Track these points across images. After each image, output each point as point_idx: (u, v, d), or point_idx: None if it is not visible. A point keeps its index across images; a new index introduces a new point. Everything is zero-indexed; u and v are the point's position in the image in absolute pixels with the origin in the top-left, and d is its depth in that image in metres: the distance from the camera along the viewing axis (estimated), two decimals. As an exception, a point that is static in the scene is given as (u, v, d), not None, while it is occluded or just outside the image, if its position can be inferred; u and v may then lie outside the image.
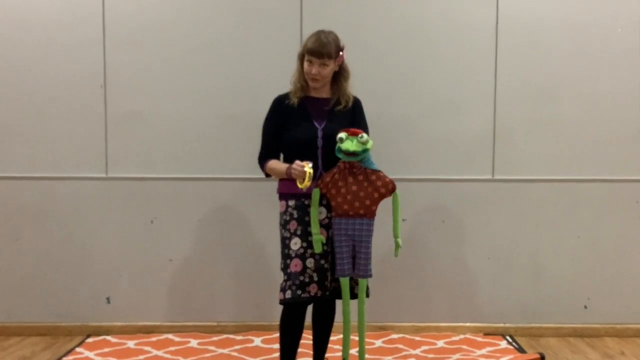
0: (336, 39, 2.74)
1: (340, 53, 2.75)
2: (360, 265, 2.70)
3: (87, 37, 3.55)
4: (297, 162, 2.63)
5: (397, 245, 2.75)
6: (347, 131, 2.64)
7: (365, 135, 2.62)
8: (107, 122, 3.58)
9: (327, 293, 2.73)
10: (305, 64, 2.71)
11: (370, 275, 2.73)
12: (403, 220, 3.42)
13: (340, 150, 2.63)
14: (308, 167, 2.59)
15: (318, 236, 2.66)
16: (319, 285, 2.70)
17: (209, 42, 3.57)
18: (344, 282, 2.71)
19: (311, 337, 2.96)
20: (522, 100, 3.61)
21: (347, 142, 2.61)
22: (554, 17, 3.58)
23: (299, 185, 2.61)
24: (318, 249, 2.66)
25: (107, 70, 3.56)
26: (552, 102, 3.61)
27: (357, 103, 2.84)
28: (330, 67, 2.71)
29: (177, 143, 3.60)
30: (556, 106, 3.61)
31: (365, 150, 2.63)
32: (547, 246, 3.66)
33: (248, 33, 3.57)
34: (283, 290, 2.70)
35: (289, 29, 3.53)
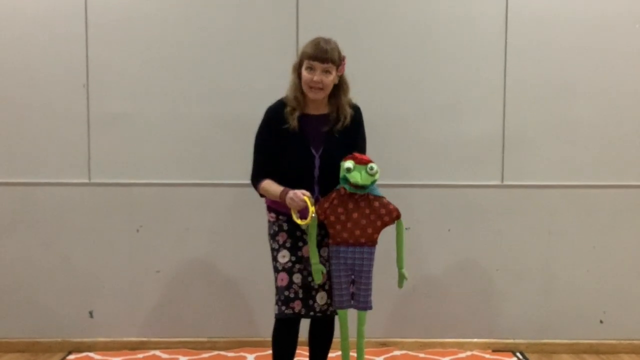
0: (337, 46, 2.70)
1: (342, 59, 2.71)
2: (359, 296, 2.67)
3: (68, 33, 3.51)
4: (297, 192, 2.57)
5: (401, 277, 2.74)
6: (353, 159, 2.60)
7: (374, 166, 2.60)
8: (90, 124, 3.55)
9: (312, 313, 2.73)
10: (305, 72, 2.65)
11: (371, 308, 2.71)
12: (406, 228, 3.37)
13: (346, 180, 2.58)
14: (310, 203, 2.54)
15: (318, 266, 2.65)
16: (302, 303, 2.70)
17: (199, 39, 3.54)
18: (342, 315, 2.68)
19: (307, 353, 2.96)
20: (533, 101, 3.58)
21: (356, 174, 2.57)
22: (568, 13, 3.55)
23: (296, 220, 2.58)
24: (318, 279, 2.66)
25: (90, 69, 3.53)
26: (565, 102, 3.58)
27: (355, 114, 2.79)
28: (333, 76, 2.67)
29: (165, 147, 3.57)
30: (570, 107, 3.58)
31: (374, 182, 2.60)
32: (560, 257, 3.63)
33: (241, 30, 3.54)
34: (275, 303, 2.73)
35: (284, 27, 3.51)
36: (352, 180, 2.56)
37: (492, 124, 3.57)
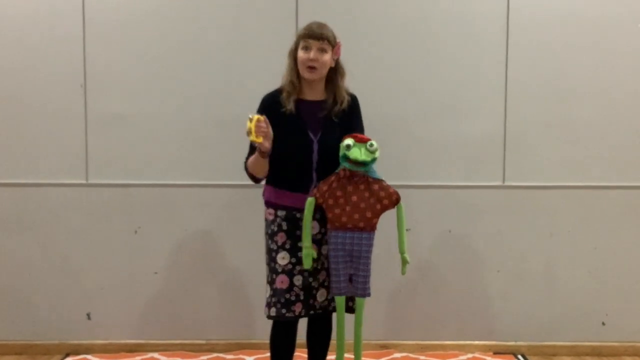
0: (331, 29, 2.72)
1: (338, 42, 2.71)
2: (358, 283, 2.64)
3: (65, 33, 3.49)
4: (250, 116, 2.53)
5: (404, 262, 2.70)
6: (354, 137, 2.57)
7: (374, 143, 2.57)
8: (88, 124, 3.53)
9: (312, 312, 2.71)
10: (301, 52, 2.66)
11: (369, 294, 2.68)
12: (407, 230, 3.34)
13: (346, 158, 2.55)
14: (257, 116, 2.50)
15: (309, 250, 2.61)
16: (304, 304, 2.68)
17: (198, 38, 3.52)
18: (340, 301, 2.66)
19: (306, 355, 2.95)
20: (535, 101, 3.55)
21: (355, 150, 2.54)
22: (570, 11, 3.53)
23: (252, 139, 2.51)
24: (308, 264, 2.61)
25: (87, 69, 3.51)
26: (567, 102, 3.56)
27: (353, 102, 2.79)
28: (329, 55, 2.67)
29: (163, 147, 3.55)
30: (572, 107, 3.56)
31: (374, 160, 2.57)
32: (562, 258, 3.61)
33: (240, 29, 3.53)
34: (268, 305, 2.71)
35: (283, 25, 3.48)
36: (352, 156, 2.53)
37: (493, 124, 3.55)
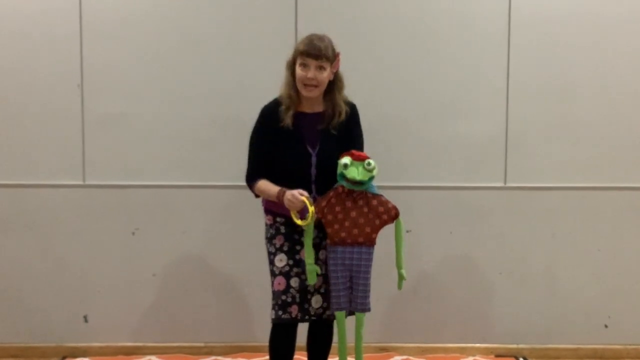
0: (331, 42, 2.68)
1: (337, 54, 2.68)
2: (358, 297, 2.64)
3: (62, 32, 3.47)
4: (295, 193, 2.54)
5: (400, 278, 2.70)
6: (351, 155, 2.56)
7: (372, 162, 2.56)
8: (85, 124, 3.50)
9: (307, 317, 2.69)
10: (299, 69, 2.62)
11: (369, 309, 2.68)
12: (407, 231, 3.32)
13: (343, 177, 2.55)
14: (309, 203, 2.52)
15: (313, 266, 2.61)
16: (299, 307, 2.67)
17: (196, 38, 3.50)
18: (340, 316, 2.65)
19: (306, 358, 2.93)
20: (536, 101, 3.54)
21: (352, 170, 2.54)
22: (572, 11, 3.51)
23: (295, 221, 2.55)
24: (312, 280, 2.62)
25: (84, 68, 3.49)
26: (569, 102, 3.54)
27: (352, 111, 2.76)
28: (327, 72, 2.64)
29: (161, 147, 3.53)
30: (574, 107, 3.54)
31: (372, 178, 2.56)
32: (564, 260, 3.59)
33: (239, 28, 3.51)
34: (272, 308, 2.70)
35: (283, 25, 3.47)
36: (349, 176, 2.53)
37: (495, 124, 3.53)
